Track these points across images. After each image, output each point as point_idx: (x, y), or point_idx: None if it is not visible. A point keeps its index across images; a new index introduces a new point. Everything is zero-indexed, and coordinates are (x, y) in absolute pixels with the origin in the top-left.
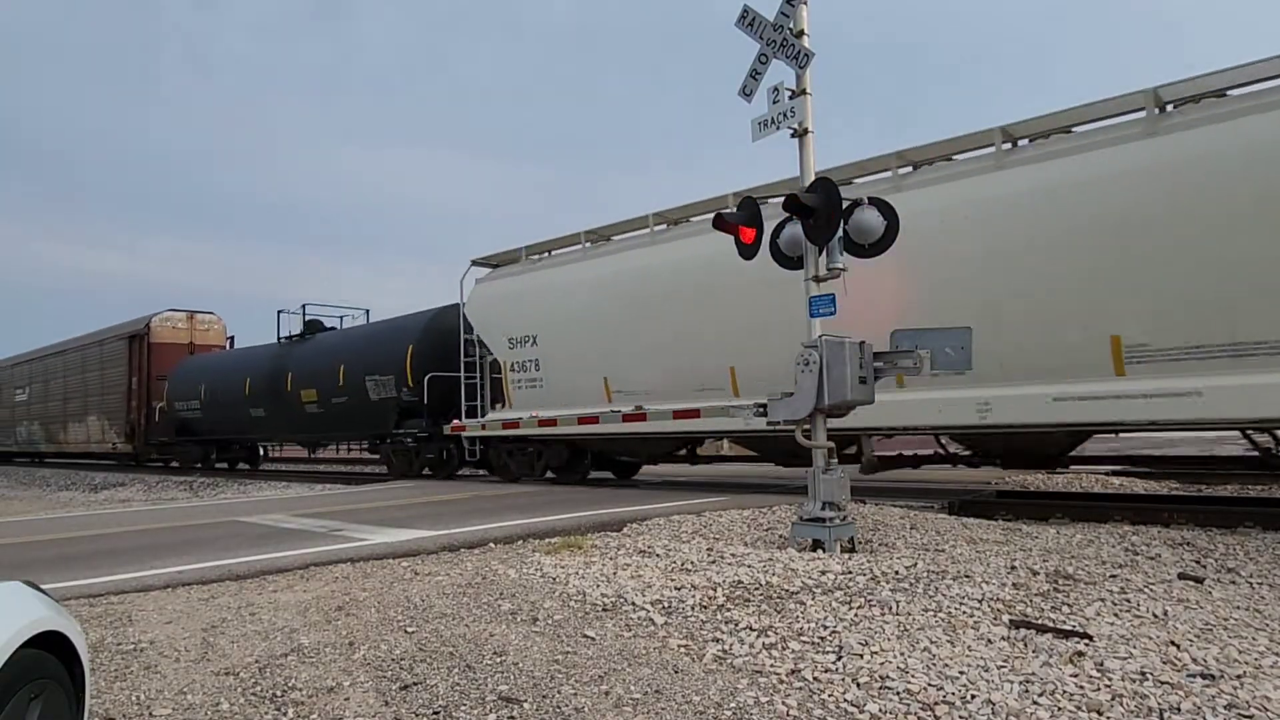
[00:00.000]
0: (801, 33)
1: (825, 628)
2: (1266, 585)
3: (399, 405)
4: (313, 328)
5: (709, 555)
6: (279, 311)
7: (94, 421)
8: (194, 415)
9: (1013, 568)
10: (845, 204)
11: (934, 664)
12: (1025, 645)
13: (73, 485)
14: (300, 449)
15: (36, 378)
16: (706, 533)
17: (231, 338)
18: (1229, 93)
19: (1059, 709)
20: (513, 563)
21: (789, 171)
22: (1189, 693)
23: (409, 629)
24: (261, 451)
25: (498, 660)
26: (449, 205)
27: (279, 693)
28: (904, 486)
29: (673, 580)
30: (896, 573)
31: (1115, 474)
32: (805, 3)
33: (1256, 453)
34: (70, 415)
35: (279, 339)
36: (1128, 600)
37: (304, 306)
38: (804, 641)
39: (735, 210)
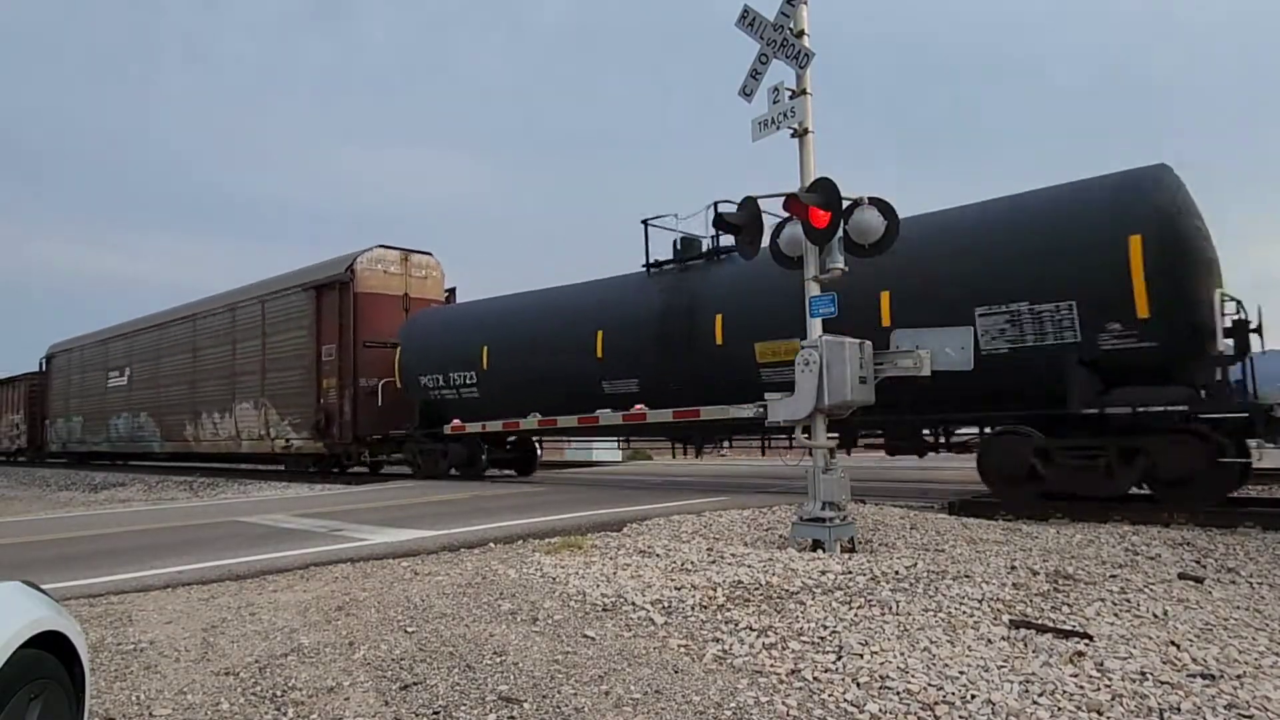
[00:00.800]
0: (801, 33)
1: (825, 628)
2: (1266, 585)
3: (1105, 360)
4: (690, 247)
5: (709, 555)
6: (645, 221)
7: (248, 411)
8: (461, 395)
9: (1013, 568)
10: (845, 204)
11: (934, 664)
12: (1025, 645)
13: (73, 485)
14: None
15: (143, 354)
16: (706, 533)
17: (452, 290)
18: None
19: (1059, 709)
20: (513, 563)
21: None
22: (1189, 693)
23: (409, 629)
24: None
25: (498, 660)
26: (450, 204)
27: (279, 693)
28: (904, 487)
29: (673, 580)
30: (896, 573)
31: None
32: (805, 3)
33: None
34: (204, 403)
35: (649, 266)
36: (1128, 600)
37: (714, 207)
38: (804, 641)
39: None
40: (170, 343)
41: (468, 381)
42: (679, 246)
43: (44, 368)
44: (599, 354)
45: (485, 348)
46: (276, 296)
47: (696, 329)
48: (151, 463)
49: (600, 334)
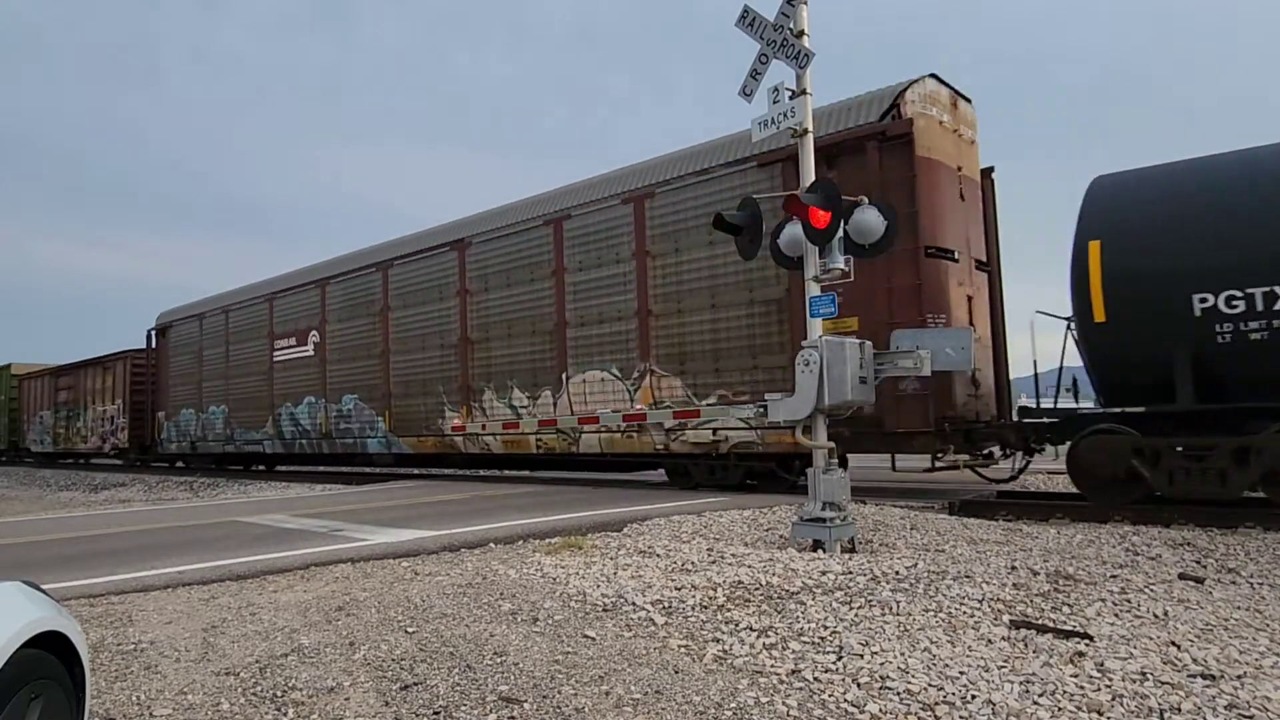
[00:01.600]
0: (801, 33)
1: (825, 628)
2: (1267, 585)
3: None
4: None
5: (709, 555)
6: None
7: (604, 383)
8: None
9: (1013, 568)
10: (845, 204)
11: (934, 664)
12: (1026, 645)
13: (73, 485)
14: None
15: (346, 309)
16: (707, 533)
17: (989, 168)
18: None
19: (1059, 709)
20: (513, 563)
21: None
22: (1189, 693)
23: (409, 629)
24: None
25: (498, 660)
26: (449, 203)
27: (279, 693)
28: (904, 487)
29: (673, 580)
30: (897, 573)
31: None
32: (805, 3)
33: None
34: (489, 375)
35: None
36: (1128, 600)
37: None
38: (804, 642)
39: None
40: (406, 288)
41: None
42: None
43: (153, 343)
44: None
45: None
46: (673, 187)
47: None
48: (369, 469)
49: None
